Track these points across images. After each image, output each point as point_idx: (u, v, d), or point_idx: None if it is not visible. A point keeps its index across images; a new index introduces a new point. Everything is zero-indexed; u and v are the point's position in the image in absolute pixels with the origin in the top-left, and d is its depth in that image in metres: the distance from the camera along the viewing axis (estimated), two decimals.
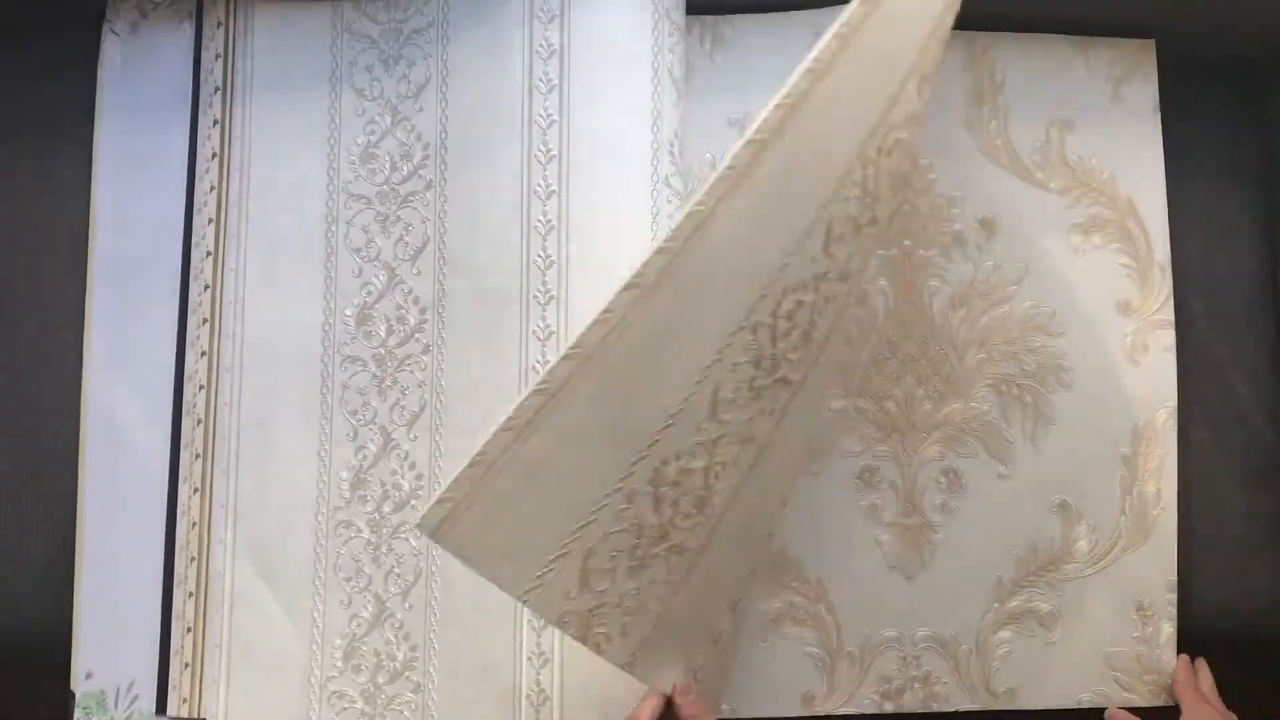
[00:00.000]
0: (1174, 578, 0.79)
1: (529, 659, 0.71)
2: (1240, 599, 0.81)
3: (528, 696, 0.70)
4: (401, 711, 0.74)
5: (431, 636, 0.73)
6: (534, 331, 0.73)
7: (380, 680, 0.74)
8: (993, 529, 0.79)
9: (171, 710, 0.75)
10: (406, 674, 0.74)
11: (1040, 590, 0.78)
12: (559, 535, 0.60)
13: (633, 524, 0.62)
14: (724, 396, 0.62)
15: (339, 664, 0.74)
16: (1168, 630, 0.78)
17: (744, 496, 0.65)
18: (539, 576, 0.60)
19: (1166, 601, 0.79)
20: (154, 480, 0.77)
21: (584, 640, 0.62)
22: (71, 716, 0.75)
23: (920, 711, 0.77)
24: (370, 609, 0.75)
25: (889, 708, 0.77)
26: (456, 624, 0.73)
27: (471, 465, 0.58)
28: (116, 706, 0.75)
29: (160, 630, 0.76)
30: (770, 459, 0.66)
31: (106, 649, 0.75)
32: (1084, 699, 0.78)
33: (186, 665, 0.75)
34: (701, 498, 0.63)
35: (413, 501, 0.75)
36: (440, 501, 0.58)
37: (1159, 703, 0.77)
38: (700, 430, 0.62)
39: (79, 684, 0.75)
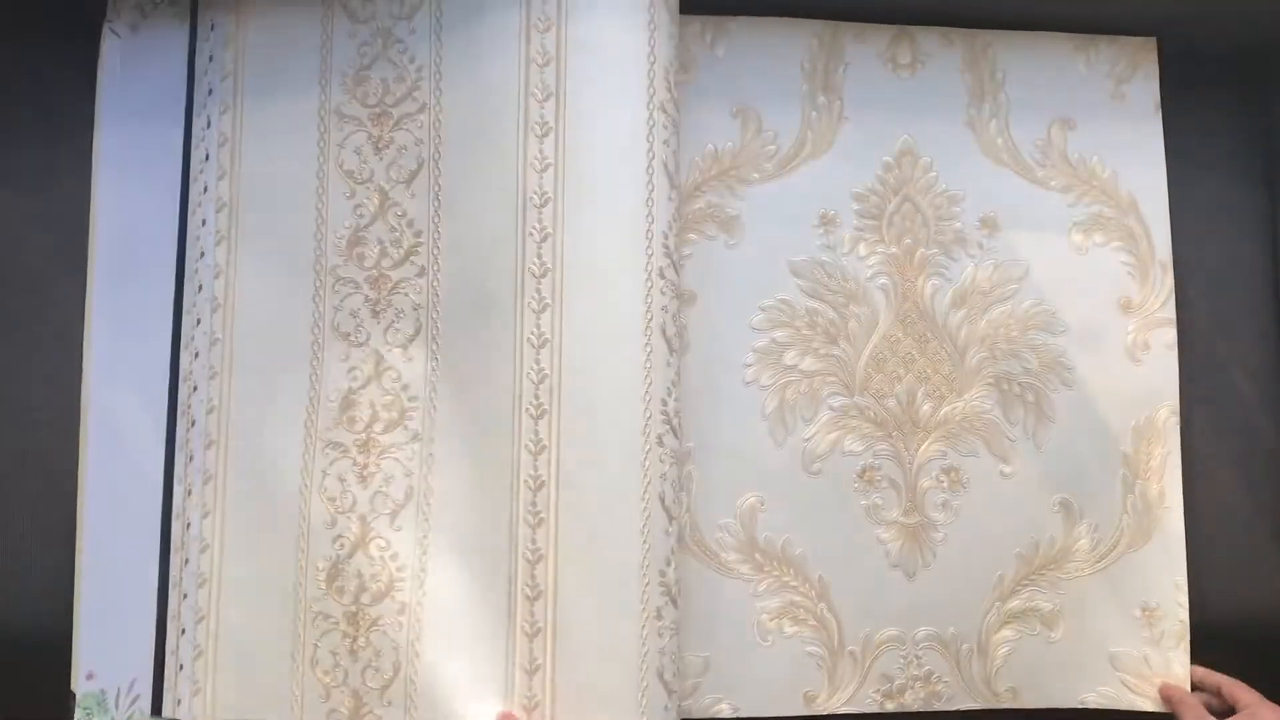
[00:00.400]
0: (1183, 579, 0.78)
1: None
2: (1244, 597, 0.80)
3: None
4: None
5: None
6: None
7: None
8: (994, 527, 0.78)
9: (167, 711, 0.75)
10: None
11: (1042, 589, 0.78)
12: (281, 674, 0.73)
13: (332, 625, 0.74)
14: (330, 494, 0.75)
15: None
16: (1178, 632, 0.78)
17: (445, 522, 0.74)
18: (292, 699, 0.73)
19: (1176, 603, 0.78)
20: (153, 481, 0.77)
21: None
22: (72, 717, 0.75)
23: (922, 710, 0.77)
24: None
25: (890, 707, 0.77)
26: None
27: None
28: (117, 707, 0.75)
29: (156, 631, 0.76)
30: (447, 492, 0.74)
31: (107, 649, 0.75)
32: (1089, 699, 0.77)
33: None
34: (390, 568, 0.74)
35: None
36: (196, 694, 0.73)
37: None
38: (335, 527, 0.74)
39: (80, 684, 0.75)
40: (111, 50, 0.80)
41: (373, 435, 0.76)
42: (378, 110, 0.78)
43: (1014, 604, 0.78)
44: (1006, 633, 0.78)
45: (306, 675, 0.74)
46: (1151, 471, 0.79)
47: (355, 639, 0.74)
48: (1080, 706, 0.77)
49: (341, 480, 0.75)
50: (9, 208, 0.80)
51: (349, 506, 0.75)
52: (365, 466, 0.75)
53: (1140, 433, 0.80)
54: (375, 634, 0.74)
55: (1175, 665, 0.78)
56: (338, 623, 0.74)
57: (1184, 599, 0.78)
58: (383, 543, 0.75)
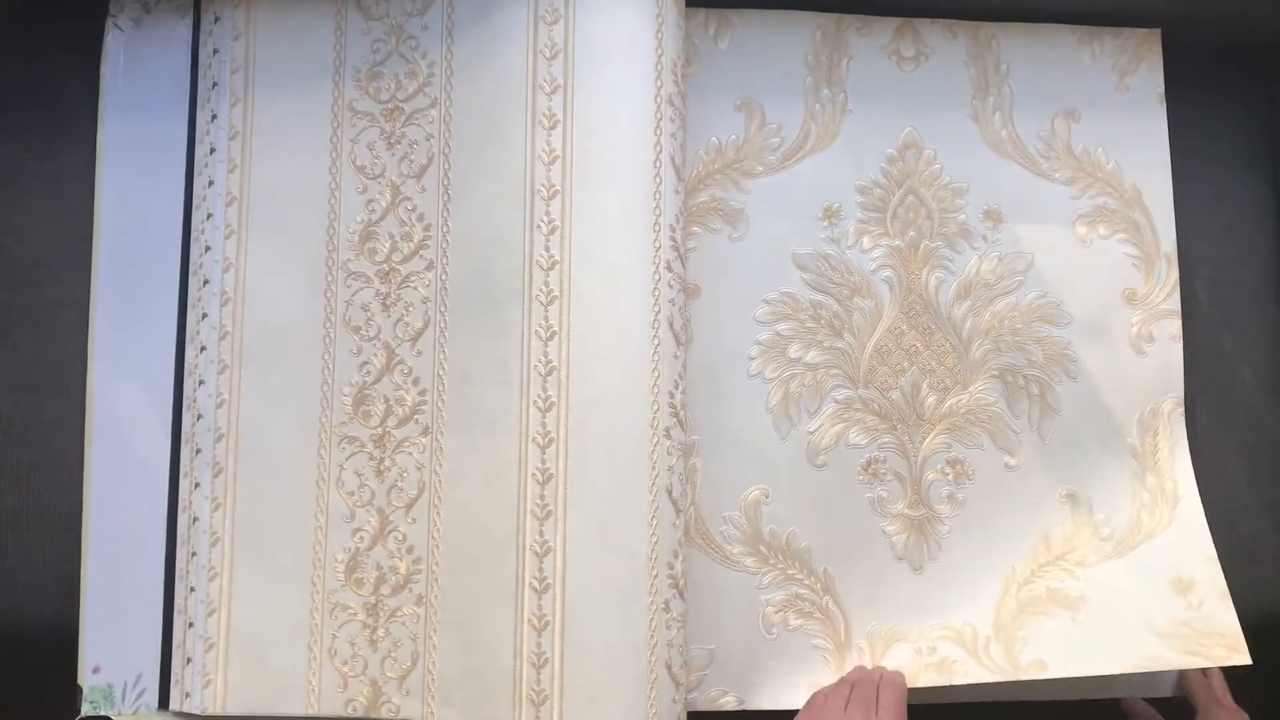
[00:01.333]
0: (1212, 552, 0.77)
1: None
2: (1248, 589, 0.80)
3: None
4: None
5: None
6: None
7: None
8: (1001, 520, 0.78)
9: (174, 705, 0.75)
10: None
11: (1060, 581, 0.78)
12: (295, 665, 0.74)
13: (350, 616, 0.75)
14: (348, 488, 0.76)
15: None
16: (1216, 593, 0.76)
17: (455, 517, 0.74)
18: (308, 688, 0.74)
19: (1208, 576, 0.76)
20: (158, 474, 0.77)
21: (378, 711, 0.74)
22: (79, 710, 0.75)
23: (935, 685, 0.75)
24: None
25: None
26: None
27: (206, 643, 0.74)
28: (124, 700, 0.75)
29: (162, 624, 0.76)
30: (462, 491, 0.74)
31: (113, 643, 0.75)
32: (1126, 665, 0.74)
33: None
34: (409, 558, 0.75)
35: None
36: (206, 686, 0.74)
37: (1233, 660, 0.74)
38: (354, 520, 0.75)
39: (86, 678, 0.75)
40: (115, 44, 0.80)
41: (388, 430, 0.76)
42: (390, 106, 0.78)
43: (1028, 594, 0.77)
44: (1025, 619, 0.76)
45: (324, 665, 0.74)
46: (1159, 463, 0.79)
47: (375, 629, 0.74)
48: (1117, 671, 0.74)
49: (359, 474, 0.76)
50: (13, 203, 0.80)
51: (367, 500, 0.76)
52: (381, 461, 0.76)
53: (1145, 424, 0.80)
54: (395, 625, 0.74)
55: (1229, 625, 0.75)
56: (356, 613, 0.75)
57: (1217, 570, 0.76)
58: (400, 535, 0.75)
